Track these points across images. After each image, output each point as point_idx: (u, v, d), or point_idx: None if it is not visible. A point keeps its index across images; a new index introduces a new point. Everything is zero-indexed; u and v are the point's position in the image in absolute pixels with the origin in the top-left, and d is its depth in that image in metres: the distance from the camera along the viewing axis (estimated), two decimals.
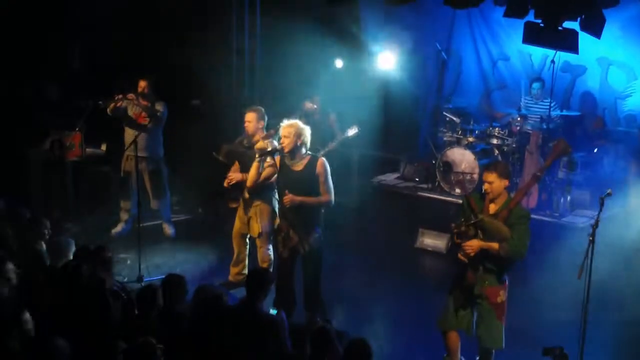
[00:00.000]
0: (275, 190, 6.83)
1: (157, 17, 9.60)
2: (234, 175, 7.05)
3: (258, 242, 7.16)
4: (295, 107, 9.07)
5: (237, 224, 7.30)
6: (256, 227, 7.10)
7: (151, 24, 9.58)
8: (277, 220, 6.79)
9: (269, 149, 6.57)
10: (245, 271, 7.27)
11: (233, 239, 7.39)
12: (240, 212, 7.26)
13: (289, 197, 6.17)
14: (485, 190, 5.34)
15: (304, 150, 6.28)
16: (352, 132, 7.86)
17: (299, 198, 6.18)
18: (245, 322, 4.96)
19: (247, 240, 7.37)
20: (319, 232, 6.34)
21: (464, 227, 5.29)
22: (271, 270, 6.91)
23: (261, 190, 6.94)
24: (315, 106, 9.56)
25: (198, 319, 5.01)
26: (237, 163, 7.14)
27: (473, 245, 5.25)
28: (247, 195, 7.04)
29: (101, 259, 5.88)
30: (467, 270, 5.34)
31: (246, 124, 7.09)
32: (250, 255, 7.39)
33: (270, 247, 7.17)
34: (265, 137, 6.87)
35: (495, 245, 5.19)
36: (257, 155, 6.62)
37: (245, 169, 6.95)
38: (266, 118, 7.14)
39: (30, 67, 9.31)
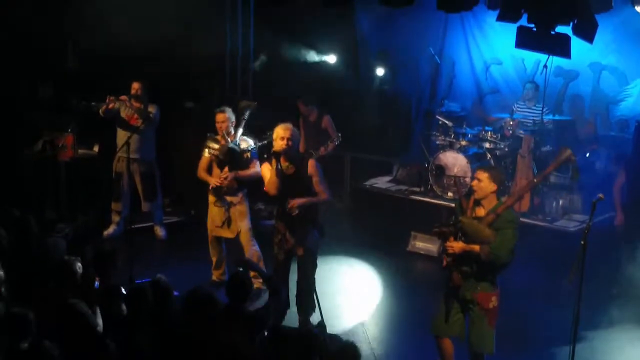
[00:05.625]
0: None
1: (150, 18, 9.58)
2: (230, 174, 7.10)
3: (243, 240, 7.24)
4: (290, 109, 9.08)
5: (213, 228, 7.37)
6: (235, 228, 7.24)
7: (145, 25, 9.56)
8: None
9: (249, 147, 6.93)
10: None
11: (210, 243, 7.48)
12: (217, 215, 7.31)
13: (294, 203, 6.15)
14: (472, 186, 5.36)
15: (294, 153, 6.31)
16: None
17: (301, 200, 6.15)
18: (231, 327, 4.92)
19: (223, 243, 7.47)
20: (316, 234, 6.34)
21: (445, 227, 5.32)
22: (262, 265, 6.95)
23: (240, 187, 7.12)
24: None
25: (189, 321, 4.99)
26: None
27: (454, 246, 5.28)
28: (227, 195, 7.20)
29: (108, 260, 5.81)
30: (453, 272, 5.37)
31: (219, 125, 7.18)
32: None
33: (255, 242, 7.28)
34: (236, 136, 7.12)
35: (476, 247, 5.20)
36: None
37: (234, 167, 7.06)
38: (234, 116, 7.26)
39: (24, 66, 9.27)
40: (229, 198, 7.22)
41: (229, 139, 7.11)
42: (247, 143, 7.12)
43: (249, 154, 7.06)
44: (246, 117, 7.15)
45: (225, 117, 7.18)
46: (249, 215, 7.33)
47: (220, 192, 7.20)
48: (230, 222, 7.25)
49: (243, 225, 7.24)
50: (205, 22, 9.93)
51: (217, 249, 7.46)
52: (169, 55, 9.44)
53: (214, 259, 7.49)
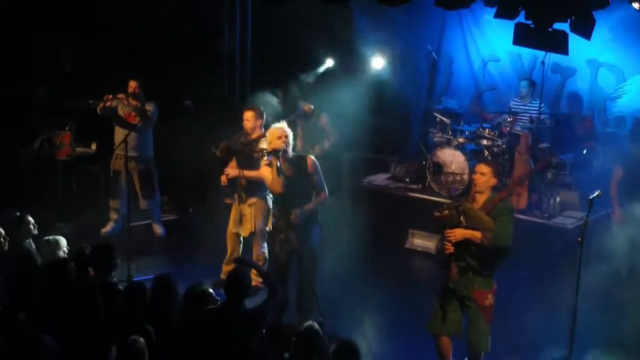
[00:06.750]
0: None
1: (148, 18, 9.59)
2: (232, 171, 7.03)
3: (254, 240, 7.21)
4: (290, 109, 9.07)
5: (231, 223, 7.31)
6: (249, 226, 7.16)
7: (143, 24, 9.58)
8: (271, 219, 6.91)
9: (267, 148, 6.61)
10: None
11: (227, 238, 7.42)
12: (234, 211, 7.27)
13: (295, 215, 6.13)
14: (474, 179, 5.39)
15: (291, 153, 6.31)
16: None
17: (303, 210, 6.15)
18: (229, 325, 4.92)
19: (241, 239, 7.39)
20: (317, 232, 6.34)
21: (447, 211, 5.31)
22: (265, 268, 6.93)
23: (257, 188, 6.96)
24: (312, 107, 9.54)
25: (187, 319, 5.00)
26: (234, 159, 7.11)
27: (456, 233, 5.26)
28: (242, 194, 7.11)
29: (105, 258, 5.79)
30: (451, 264, 5.34)
31: (244, 122, 7.13)
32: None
33: (265, 244, 7.20)
34: (263, 137, 6.90)
35: (477, 234, 5.19)
36: (265, 156, 6.54)
37: (242, 165, 6.95)
38: (264, 117, 7.15)
39: (22, 66, 9.28)
40: (243, 196, 7.15)
41: (245, 137, 7.02)
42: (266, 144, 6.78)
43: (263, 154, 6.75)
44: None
45: (250, 115, 7.10)
46: (265, 217, 7.18)
47: (226, 189, 7.15)
48: (243, 220, 7.20)
49: (256, 225, 7.16)
50: (204, 20, 9.95)
51: (232, 245, 7.39)
52: (168, 54, 9.45)
53: (227, 254, 7.43)
